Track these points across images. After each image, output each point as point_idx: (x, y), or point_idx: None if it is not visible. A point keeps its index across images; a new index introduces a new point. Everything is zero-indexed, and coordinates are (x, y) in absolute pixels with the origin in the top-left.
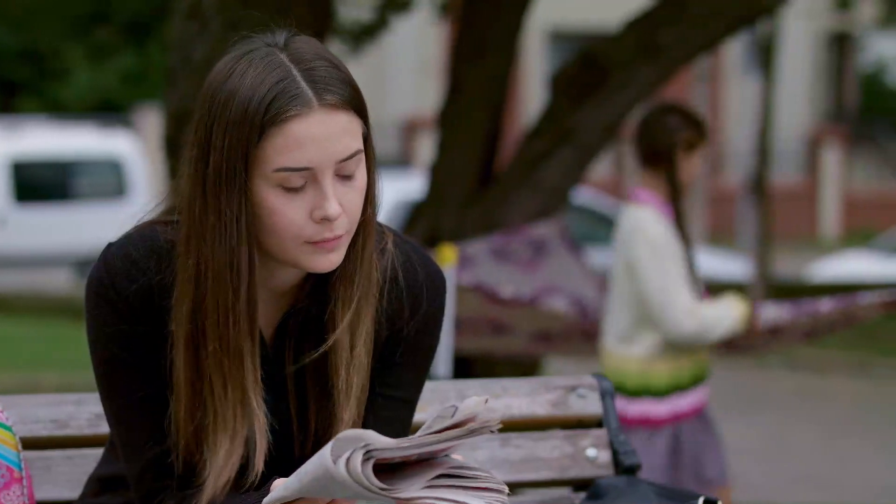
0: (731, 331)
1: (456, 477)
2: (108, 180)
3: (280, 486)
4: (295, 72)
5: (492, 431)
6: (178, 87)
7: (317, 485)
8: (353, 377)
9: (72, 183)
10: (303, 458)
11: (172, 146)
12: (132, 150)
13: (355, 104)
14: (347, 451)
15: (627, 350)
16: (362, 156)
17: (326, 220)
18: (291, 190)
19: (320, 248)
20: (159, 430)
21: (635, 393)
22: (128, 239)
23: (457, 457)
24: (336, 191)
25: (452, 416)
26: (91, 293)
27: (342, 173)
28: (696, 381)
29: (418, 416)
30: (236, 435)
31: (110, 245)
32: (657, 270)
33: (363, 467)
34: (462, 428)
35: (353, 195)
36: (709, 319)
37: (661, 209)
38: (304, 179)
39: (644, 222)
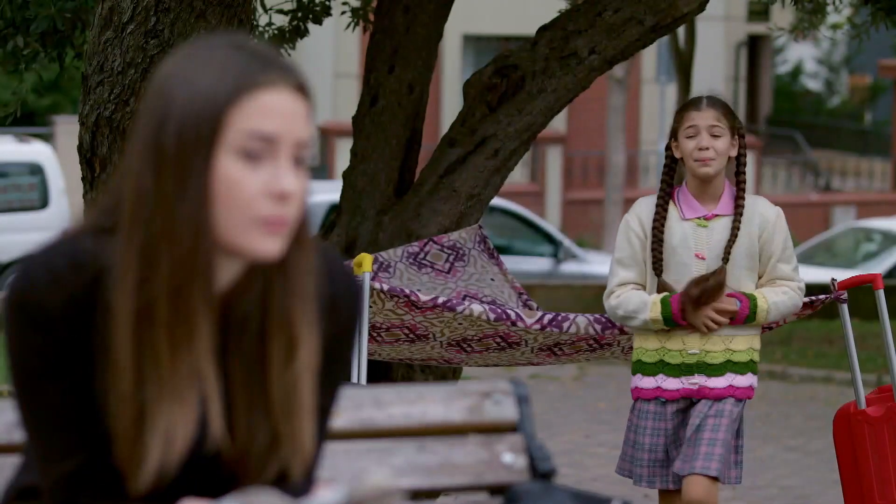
0: None
1: None
2: (26, 189)
3: None
4: (263, 54)
5: None
6: (93, 96)
7: None
8: (293, 381)
9: None
10: (213, 460)
11: (88, 155)
12: (50, 158)
13: (311, 100)
14: None
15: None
16: (309, 154)
17: (282, 196)
18: (252, 161)
19: (269, 229)
20: (75, 444)
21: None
22: (50, 251)
23: None
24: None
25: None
26: (11, 306)
27: (297, 155)
28: None
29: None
30: (186, 402)
31: (31, 256)
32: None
33: None
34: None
35: (302, 185)
36: None
37: None
38: (265, 151)
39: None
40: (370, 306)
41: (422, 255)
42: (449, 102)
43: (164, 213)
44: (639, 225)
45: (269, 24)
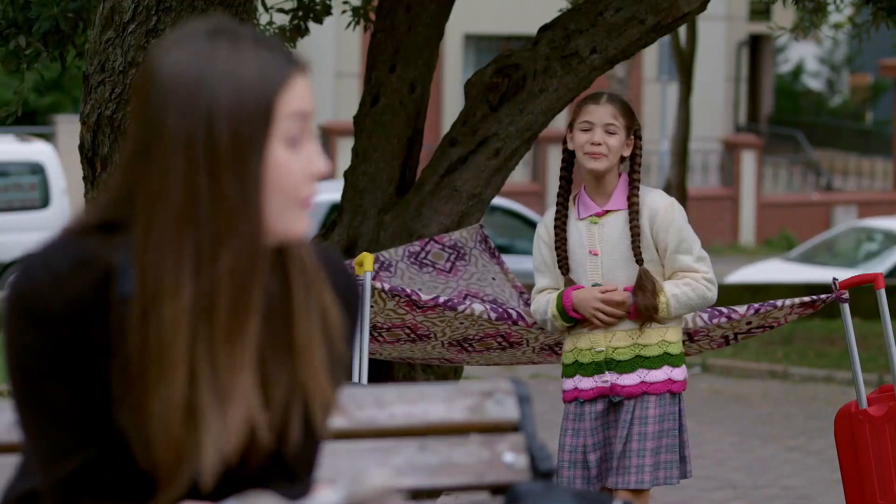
0: None
1: None
2: (28, 188)
3: None
4: (275, 44)
5: None
6: (95, 95)
7: None
8: (313, 347)
9: None
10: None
11: (89, 154)
12: (51, 157)
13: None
14: None
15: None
16: None
17: (318, 175)
18: (293, 146)
19: (304, 209)
20: (76, 444)
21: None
22: (51, 250)
23: None
24: None
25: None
26: (12, 306)
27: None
28: None
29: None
30: (245, 397)
31: (30, 256)
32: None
33: None
34: None
35: None
36: None
37: None
38: (301, 134)
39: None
40: (371, 306)
41: (423, 255)
42: (450, 102)
43: (223, 209)
44: (545, 232)
45: (270, 22)
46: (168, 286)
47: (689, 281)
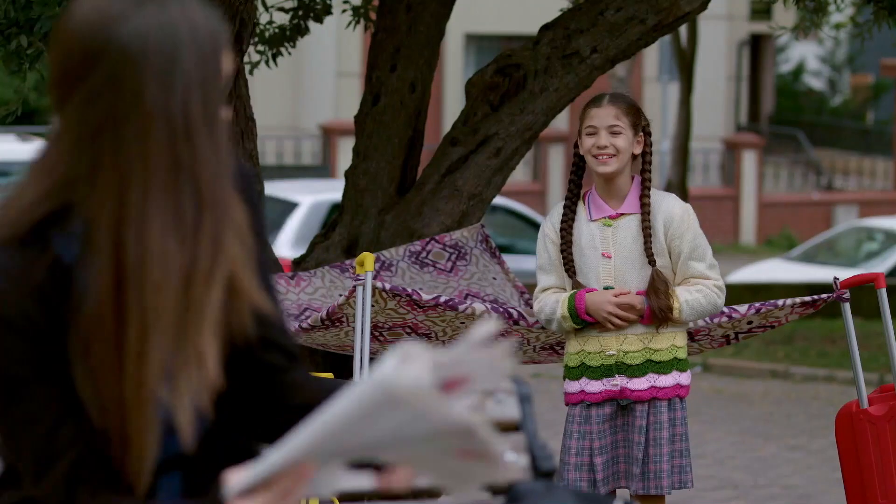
0: None
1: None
2: None
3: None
4: None
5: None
6: None
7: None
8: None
9: None
10: None
11: None
12: None
13: None
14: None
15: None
16: None
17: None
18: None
19: None
20: (69, 441)
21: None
22: None
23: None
24: None
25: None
26: None
27: None
28: None
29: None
30: (210, 355)
31: None
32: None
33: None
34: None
35: None
36: None
37: None
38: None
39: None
40: (372, 306)
41: (424, 254)
42: (451, 102)
43: (202, 176)
44: (553, 231)
45: (270, 22)
46: (157, 254)
47: (701, 287)
